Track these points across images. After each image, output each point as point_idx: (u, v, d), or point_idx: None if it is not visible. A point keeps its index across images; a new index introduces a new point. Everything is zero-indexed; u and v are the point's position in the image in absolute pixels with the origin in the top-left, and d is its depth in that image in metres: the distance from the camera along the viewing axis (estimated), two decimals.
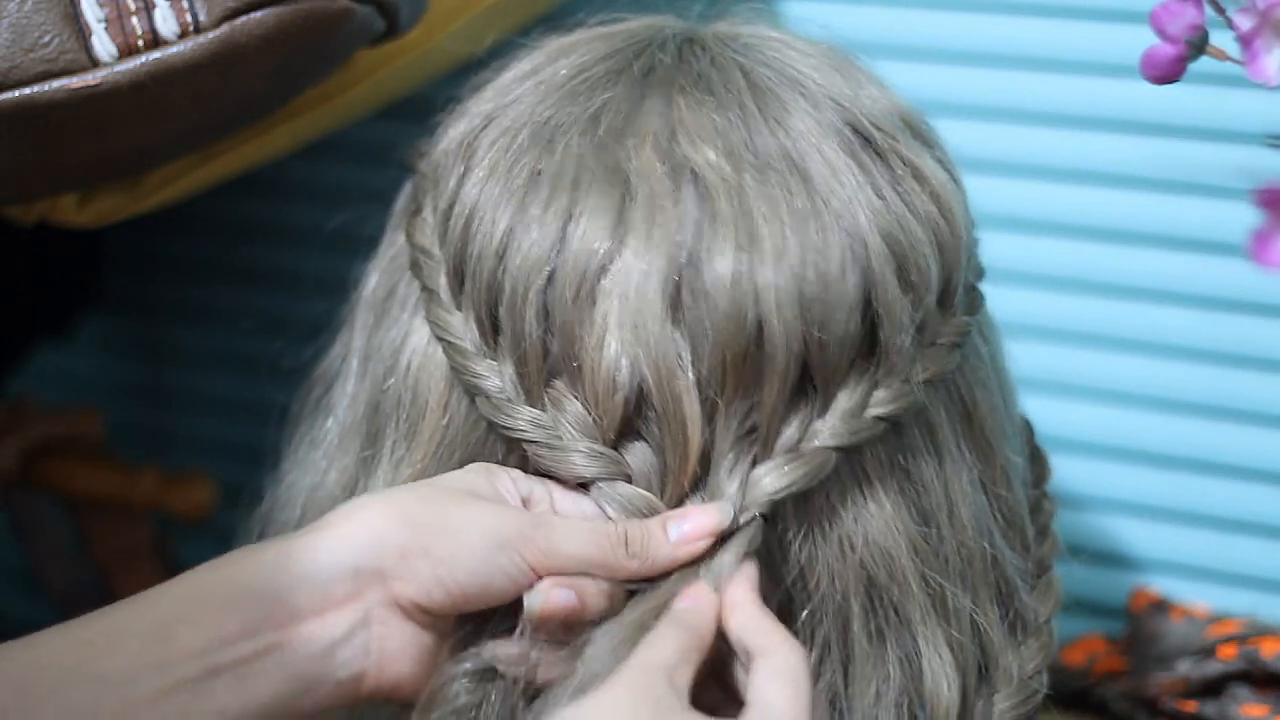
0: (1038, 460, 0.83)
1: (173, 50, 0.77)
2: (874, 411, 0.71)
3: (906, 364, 0.72)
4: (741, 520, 0.70)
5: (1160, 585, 1.02)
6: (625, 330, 0.70)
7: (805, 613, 0.71)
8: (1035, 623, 0.76)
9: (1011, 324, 0.83)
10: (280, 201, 1.23)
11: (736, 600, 0.69)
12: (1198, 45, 0.67)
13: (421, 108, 0.82)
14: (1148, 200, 0.99)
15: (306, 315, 0.85)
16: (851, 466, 0.72)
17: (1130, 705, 0.95)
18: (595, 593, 0.69)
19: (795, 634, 0.70)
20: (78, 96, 0.76)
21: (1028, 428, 0.83)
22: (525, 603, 0.68)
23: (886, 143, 0.74)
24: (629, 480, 0.71)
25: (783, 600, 0.72)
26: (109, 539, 1.17)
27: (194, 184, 0.92)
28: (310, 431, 0.81)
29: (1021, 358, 0.83)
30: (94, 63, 0.76)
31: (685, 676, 0.65)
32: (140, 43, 0.77)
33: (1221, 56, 0.67)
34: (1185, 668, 0.94)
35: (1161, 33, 0.67)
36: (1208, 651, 0.94)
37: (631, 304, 0.70)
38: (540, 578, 0.69)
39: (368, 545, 0.68)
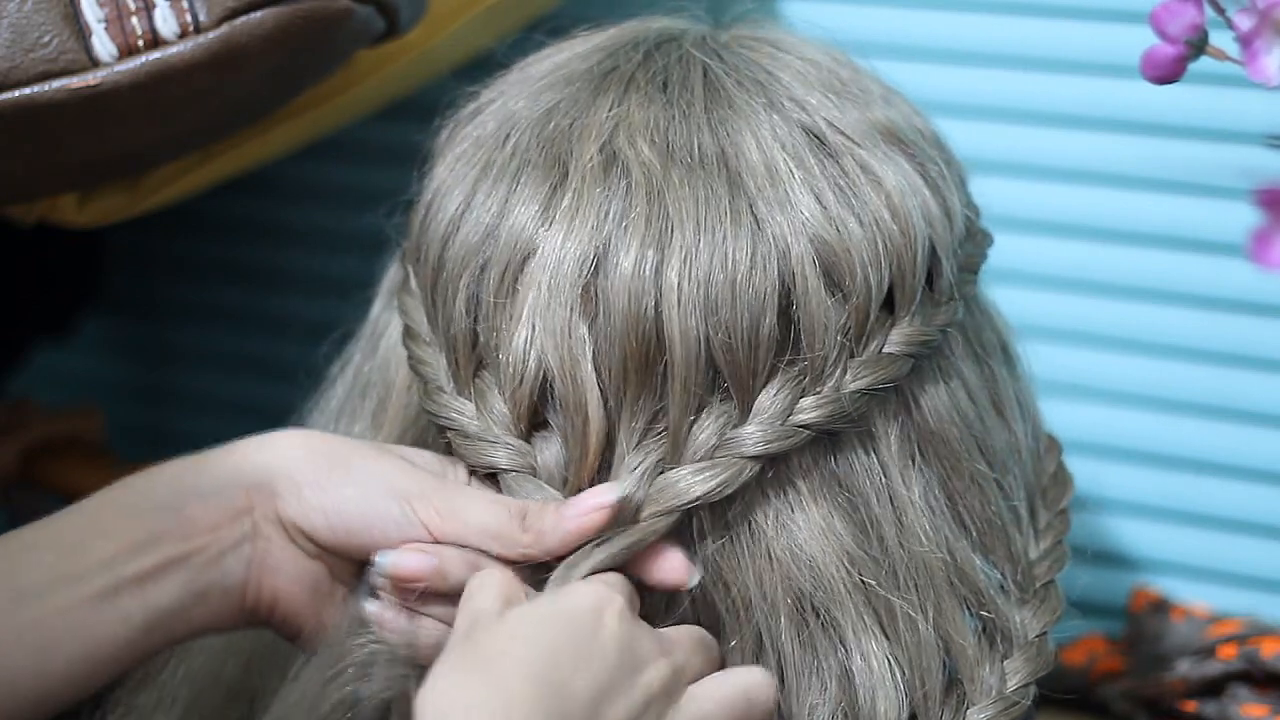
0: (1059, 481, 0.81)
1: (173, 50, 0.77)
2: (797, 419, 0.71)
3: (836, 371, 0.71)
4: (642, 518, 0.70)
5: (1160, 585, 1.02)
6: (536, 320, 0.71)
7: (735, 624, 0.71)
8: (1023, 636, 0.75)
9: (1011, 324, 0.83)
10: (280, 201, 1.23)
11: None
12: (1198, 45, 0.67)
13: (421, 108, 0.82)
14: (1148, 200, 0.99)
15: (307, 315, 0.85)
16: (777, 474, 0.71)
17: (1130, 705, 0.95)
18: (459, 563, 0.69)
19: (728, 646, 0.70)
20: (78, 96, 0.76)
21: (1053, 445, 0.82)
22: (376, 560, 0.69)
23: (843, 145, 0.74)
24: (534, 473, 0.71)
25: (710, 611, 0.71)
26: None
27: (194, 184, 0.92)
28: (320, 401, 0.82)
29: (1021, 357, 0.83)
30: (94, 63, 0.76)
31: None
32: (140, 43, 0.77)
33: (1221, 56, 0.67)
34: (1185, 668, 0.94)
35: (1161, 33, 0.67)
36: (1208, 651, 0.94)
37: (545, 295, 0.71)
38: (435, 539, 0.69)
39: (266, 466, 0.70)
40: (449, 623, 0.69)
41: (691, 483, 0.70)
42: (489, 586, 0.67)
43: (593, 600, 0.66)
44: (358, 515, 0.69)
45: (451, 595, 0.69)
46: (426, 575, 0.69)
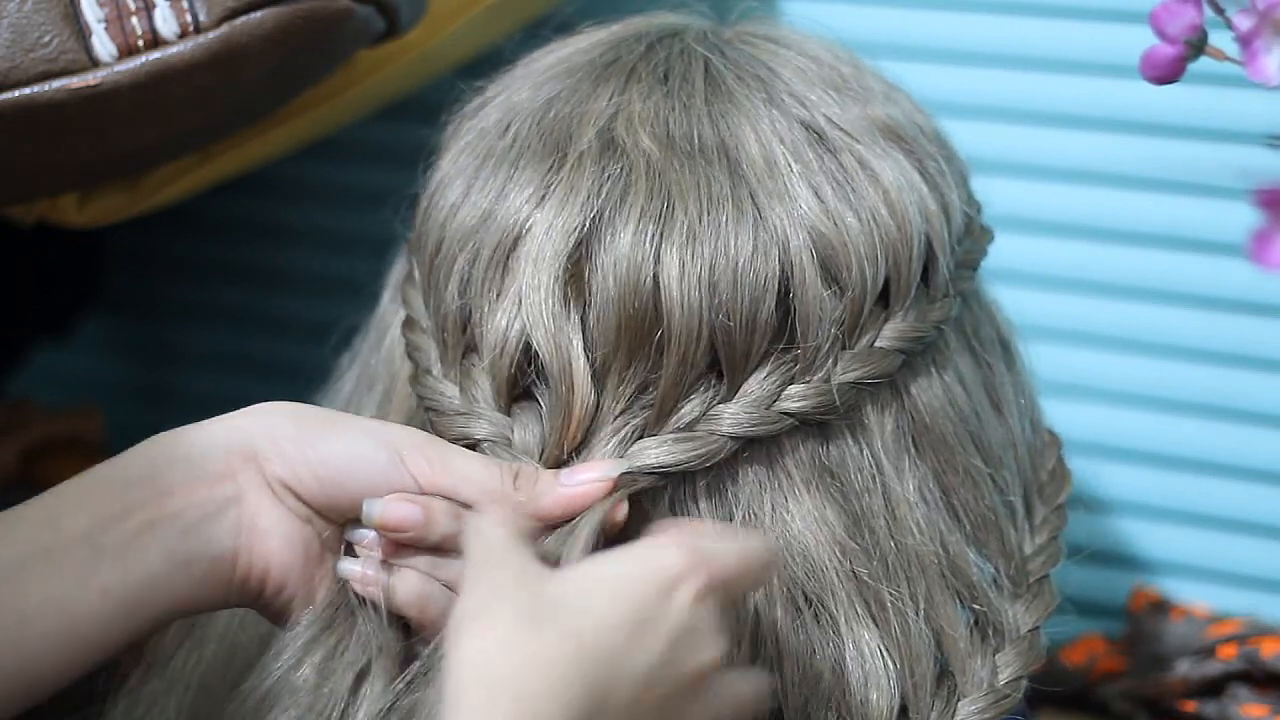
0: (1057, 477, 0.81)
1: (173, 50, 0.77)
2: (783, 406, 0.71)
3: (827, 362, 0.72)
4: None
5: (1160, 585, 1.02)
6: (523, 294, 0.71)
7: (733, 611, 0.70)
8: (1015, 630, 0.75)
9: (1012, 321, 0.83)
10: (280, 201, 1.23)
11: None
12: (1198, 45, 0.67)
13: (422, 107, 0.82)
14: (1148, 200, 0.99)
15: (307, 315, 0.85)
16: (771, 463, 0.72)
17: (1130, 705, 0.95)
18: (446, 515, 0.69)
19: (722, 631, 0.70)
20: (78, 96, 0.76)
21: (1054, 441, 0.83)
22: (364, 509, 0.68)
23: (842, 141, 0.74)
24: (509, 444, 0.72)
25: None
26: None
27: (194, 184, 0.92)
28: (329, 393, 0.83)
29: (1022, 354, 0.83)
30: (94, 63, 0.76)
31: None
32: (140, 43, 0.77)
33: (1221, 56, 0.67)
34: (1185, 668, 0.94)
35: (1161, 33, 0.67)
36: (1208, 651, 0.94)
37: (532, 268, 0.71)
38: (424, 491, 0.69)
39: (247, 430, 0.69)
40: (432, 575, 0.69)
41: (663, 451, 0.71)
42: (505, 523, 0.65)
43: (675, 572, 0.63)
44: (345, 465, 0.68)
45: (434, 548, 0.69)
46: (414, 525, 0.68)
